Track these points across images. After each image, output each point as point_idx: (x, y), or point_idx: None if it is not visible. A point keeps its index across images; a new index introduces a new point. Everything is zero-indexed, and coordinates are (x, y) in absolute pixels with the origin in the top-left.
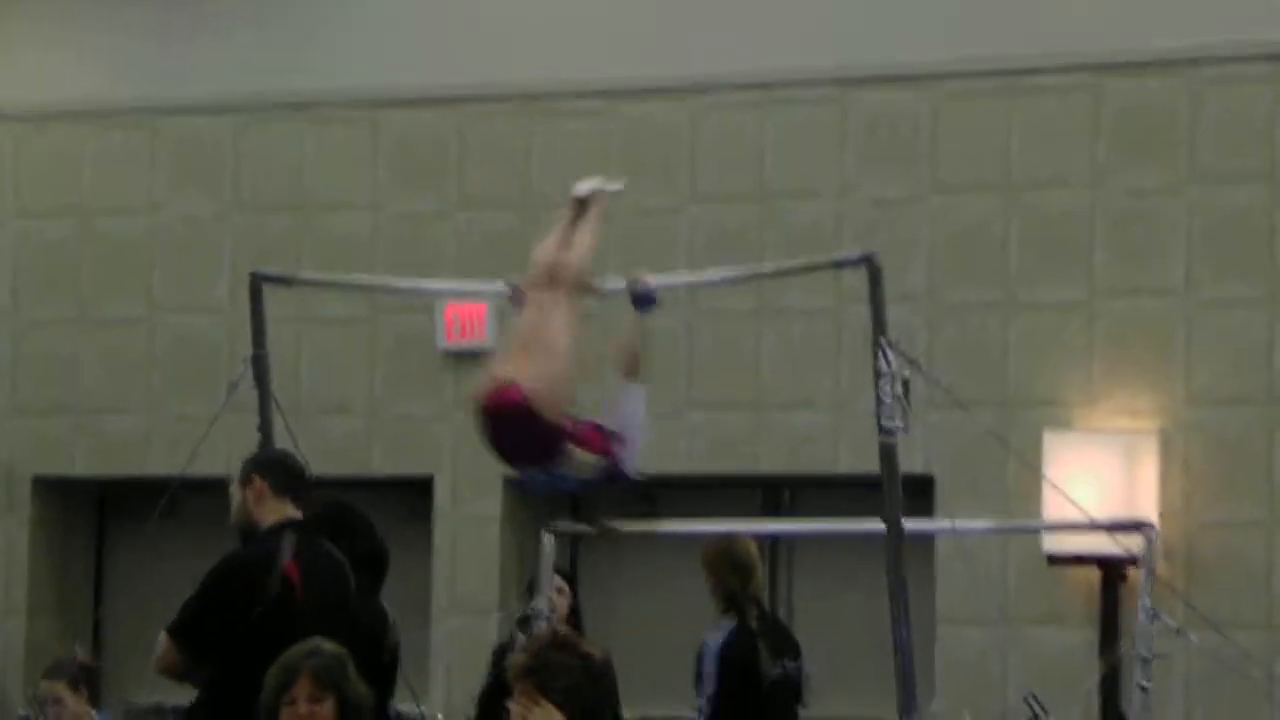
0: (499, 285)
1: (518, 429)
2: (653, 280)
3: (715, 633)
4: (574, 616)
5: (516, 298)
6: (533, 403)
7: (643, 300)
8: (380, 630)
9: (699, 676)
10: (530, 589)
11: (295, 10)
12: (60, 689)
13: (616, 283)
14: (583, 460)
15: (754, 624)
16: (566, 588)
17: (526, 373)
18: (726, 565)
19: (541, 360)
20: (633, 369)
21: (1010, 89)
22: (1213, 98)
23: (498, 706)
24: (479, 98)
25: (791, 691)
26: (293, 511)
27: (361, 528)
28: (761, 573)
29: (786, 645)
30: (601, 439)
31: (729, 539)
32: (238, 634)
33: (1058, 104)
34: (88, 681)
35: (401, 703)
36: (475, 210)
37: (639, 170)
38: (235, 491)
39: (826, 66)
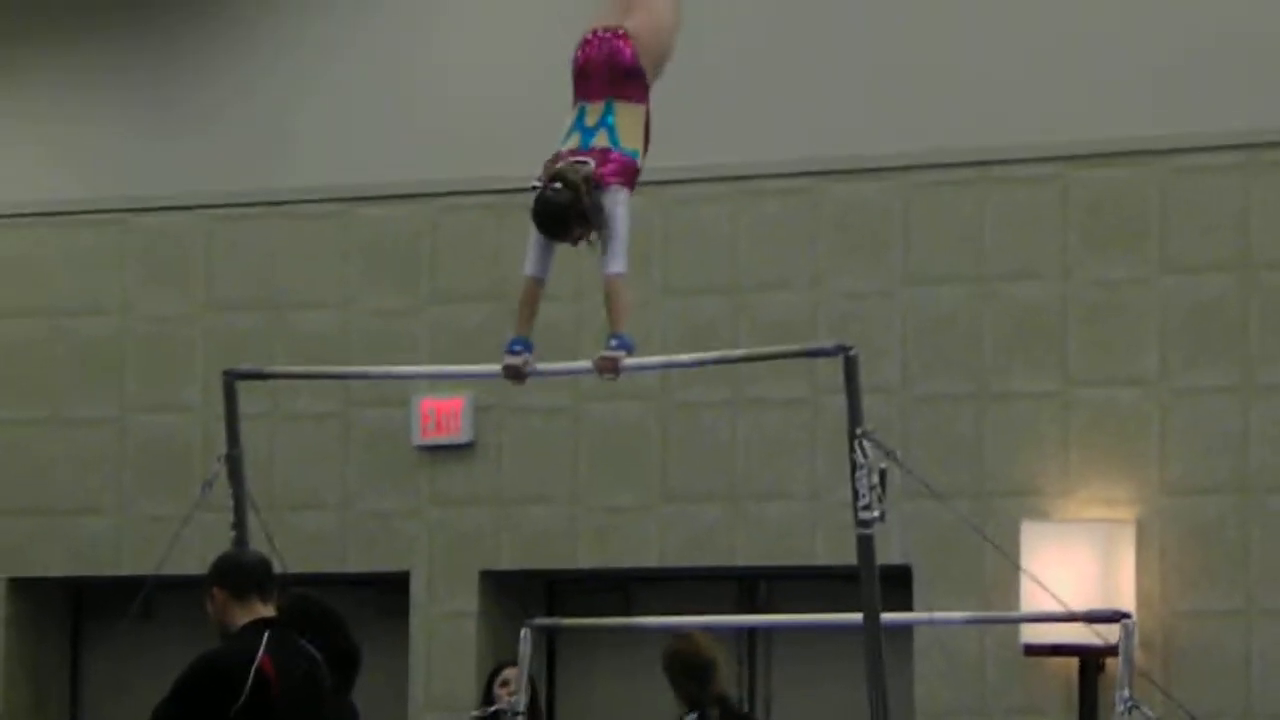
0: (479, 368)
1: (613, 63)
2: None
3: None
4: (533, 709)
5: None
6: (635, 41)
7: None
8: None
9: None
10: (488, 689)
11: (264, 107)
12: None
13: (584, 366)
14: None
15: None
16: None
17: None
18: (681, 669)
19: (642, 13)
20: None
21: (980, 180)
22: (1183, 187)
23: None
24: (450, 192)
25: None
26: (264, 610)
27: (334, 625)
28: (724, 668)
29: None
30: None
31: (684, 639)
32: None
33: (1028, 195)
34: None
35: None
36: (447, 305)
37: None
38: (206, 599)
39: (797, 159)
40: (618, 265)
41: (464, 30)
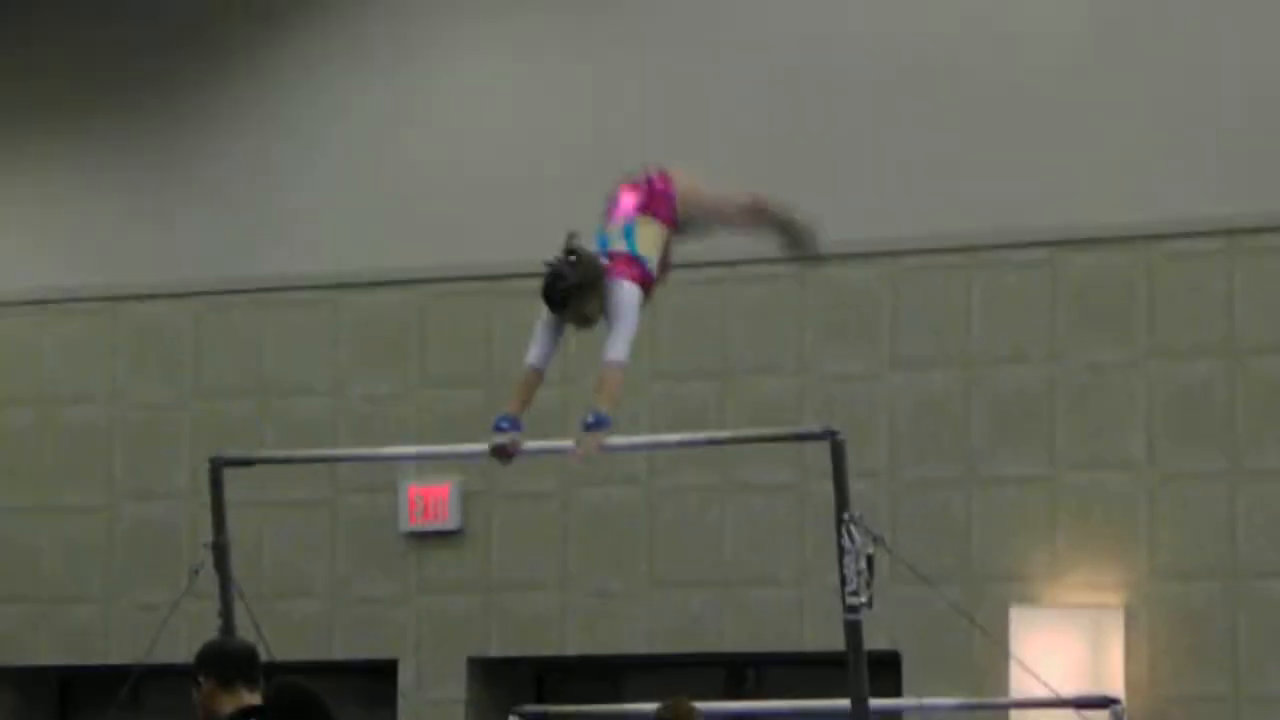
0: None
1: (649, 186)
2: (612, 444)
3: None
4: None
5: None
6: (674, 180)
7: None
8: None
9: None
10: None
11: (253, 195)
12: None
13: (567, 445)
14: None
15: None
16: None
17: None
18: None
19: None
20: None
21: (969, 264)
22: (1170, 272)
23: None
24: (439, 279)
25: None
26: (250, 699)
27: (321, 713)
28: None
29: None
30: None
31: (675, 704)
32: None
33: (1016, 279)
34: None
35: None
36: (436, 390)
37: (598, 348)
38: (193, 690)
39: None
40: (618, 353)
41: (453, 119)
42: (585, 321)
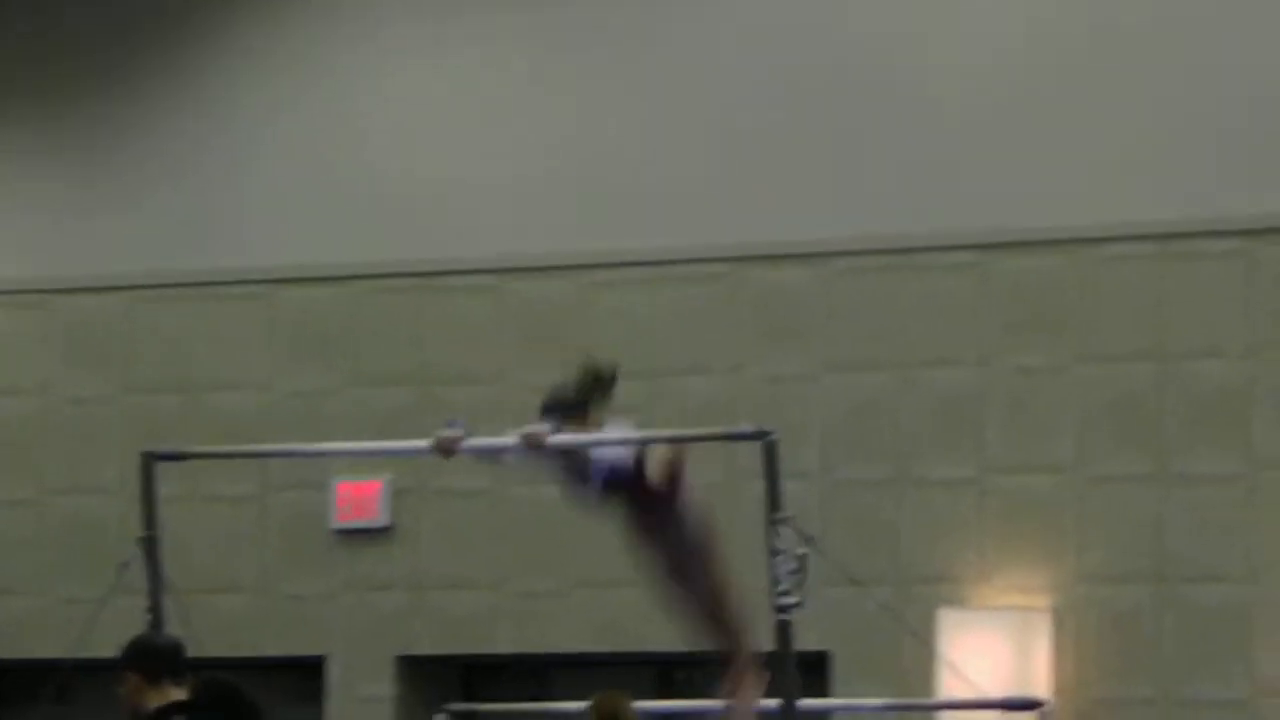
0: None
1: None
2: (551, 441)
3: None
4: None
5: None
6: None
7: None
8: None
9: None
10: None
11: (186, 190)
12: None
13: (508, 441)
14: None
15: None
16: None
17: None
18: None
19: None
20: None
21: (900, 267)
22: (1100, 277)
23: None
24: (372, 275)
25: None
26: (176, 694)
27: (246, 708)
28: None
29: None
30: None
31: (609, 697)
32: None
33: (947, 282)
34: None
35: None
36: (368, 387)
37: (530, 347)
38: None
39: (718, 244)
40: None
41: (388, 116)
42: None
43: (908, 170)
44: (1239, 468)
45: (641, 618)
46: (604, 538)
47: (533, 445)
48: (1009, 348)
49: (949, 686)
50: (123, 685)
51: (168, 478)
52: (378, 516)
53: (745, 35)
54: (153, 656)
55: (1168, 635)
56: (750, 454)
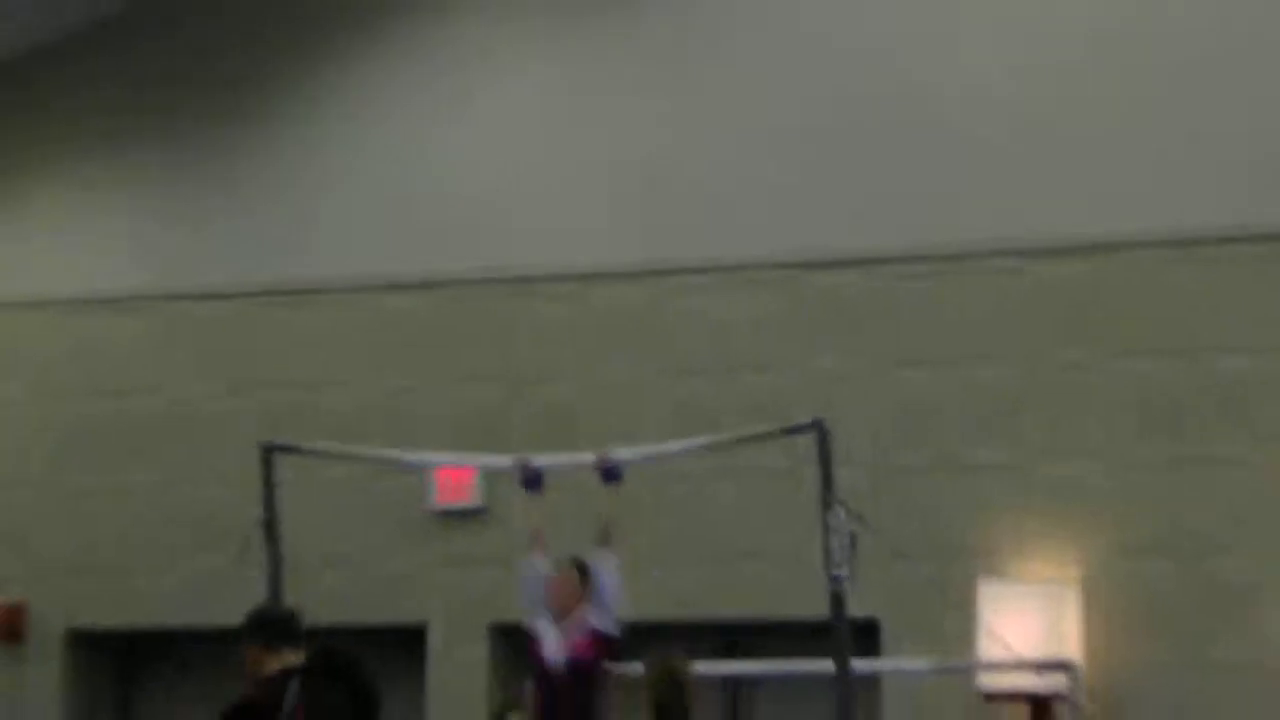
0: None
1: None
2: (620, 455)
3: None
4: None
5: (528, 480)
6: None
7: (610, 474)
8: None
9: None
10: None
11: (293, 205)
12: None
13: (587, 458)
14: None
15: None
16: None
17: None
18: (661, 679)
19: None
20: (605, 539)
21: (947, 272)
22: (1130, 280)
23: None
24: (467, 281)
25: None
26: (293, 659)
27: (357, 671)
28: (692, 690)
29: None
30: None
31: (666, 655)
32: None
33: (990, 285)
34: None
35: None
36: (464, 385)
37: (612, 347)
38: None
39: (783, 252)
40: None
41: (479, 129)
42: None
43: (956, 183)
44: (1252, 454)
45: (708, 590)
46: (676, 517)
47: (606, 465)
48: (1046, 345)
49: (988, 650)
50: (246, 651)
51: (282, 464)
52: (472, 499)
53: (807, 56)
54: (270, 626)
55: (1187, 604)
56: (808, 443)
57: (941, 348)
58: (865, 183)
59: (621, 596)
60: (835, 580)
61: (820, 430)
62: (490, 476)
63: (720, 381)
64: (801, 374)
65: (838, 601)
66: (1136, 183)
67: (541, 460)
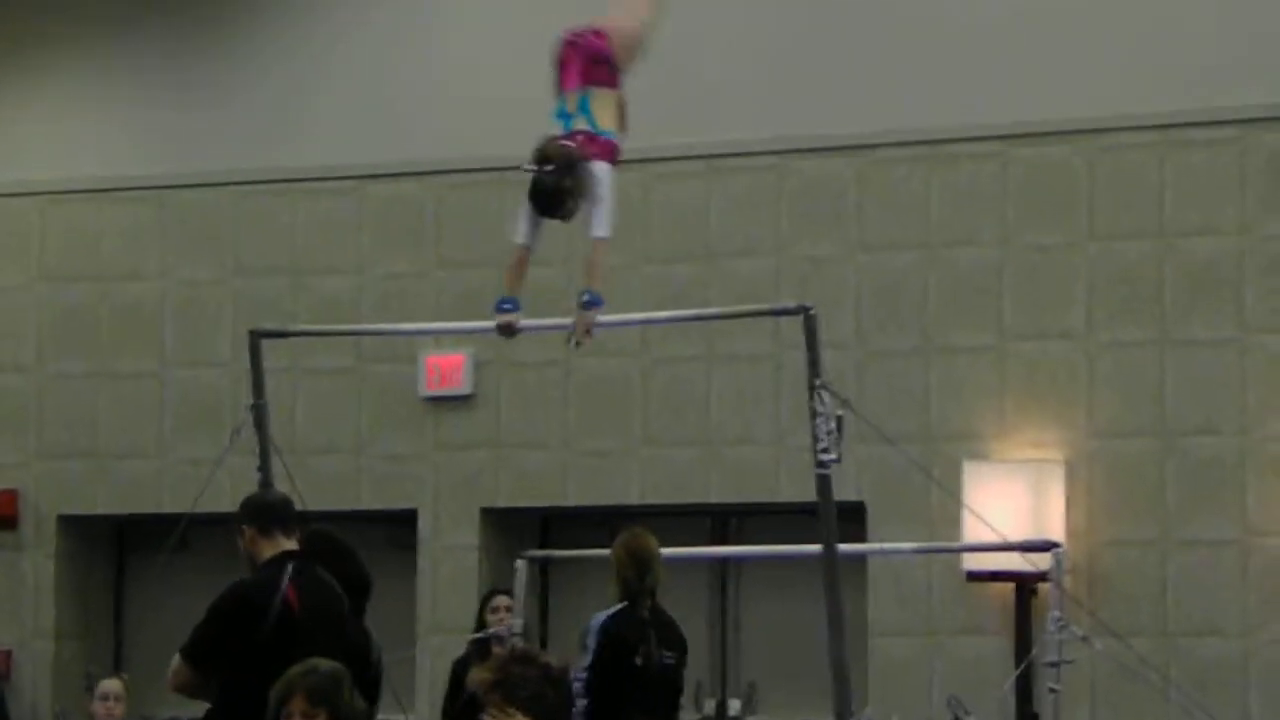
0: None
1: (589, 53)
2: (603, 320)
3: (603, 613)
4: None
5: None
6: (610, 36)
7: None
8: (365, 648)
9: (582, 649)
10: (480, 614)
11: (285, 92)
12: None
13: (566, 322)
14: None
15: (645, 614)
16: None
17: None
18: (625, 558)
19: (621, 11)
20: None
21: (928, 156)
22: (1108, 163)
23: (466, 718)
24: (455, 169)
25: (670, 682)
26: (287, 544)
27: (348, 555)
28: (659, 569)
29: (673, 639)
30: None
31: (632, 533)
32: (243, 654)
33: (970, 169)
34: None
35: (391, 716)
36: (451, 270)
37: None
38: (237, 537)
39: (764, 138)
40: (602, 230)
41: (467, 19)
42: (569, 215)
43: (937, 68)
44: (1231, 333)
45: (698, 473)
46: (664, 402)
47: (585, 329)
48: (1026, 228)
49: (973, 531)
50: (240, 536)
51: (273, 352)
52: (462, 385)
53: None
54: (265, 511)
55: (1169, 483)
56: (793, 327)
57: (923, 232)
58: (847, 69)
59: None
60: (822, 464)
61: (806, 314)
62: (479, 364)
63: (704, 267)
64: (785, 259)
65: (824, 485)
66: (1115, 67)
67: (524, 323)
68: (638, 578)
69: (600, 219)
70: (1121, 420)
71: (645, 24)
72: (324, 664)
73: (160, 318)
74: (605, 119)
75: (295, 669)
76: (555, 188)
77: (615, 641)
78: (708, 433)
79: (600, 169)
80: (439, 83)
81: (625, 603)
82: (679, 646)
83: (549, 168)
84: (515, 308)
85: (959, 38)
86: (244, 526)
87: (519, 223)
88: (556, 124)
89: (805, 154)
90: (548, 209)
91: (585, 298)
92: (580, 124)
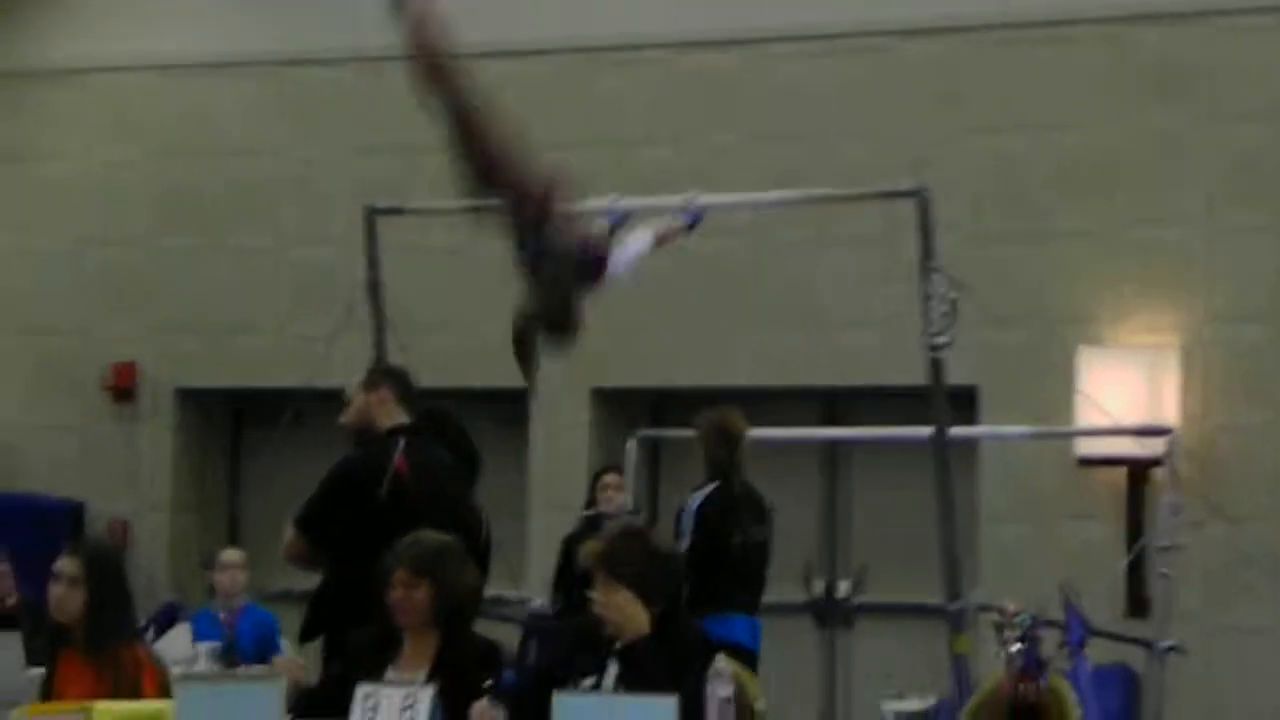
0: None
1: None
2: (714, 201)
3: (697, 494)
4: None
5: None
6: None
7: (692, 223)
8: (476, 523)
9: (678, 533)
10: (591, 491)
11: None
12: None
13: (675, 201)
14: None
15: (736, 491)
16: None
17: None
18: (716, 435)
19: None
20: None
21: (1040, 39)
22: (1225, 45)
23: (578, 592)
24: (569, 49)
25: (760, 554)
26: (404, 418)
27: (460, 433)
28: (747, 444)
29: (761, 515)
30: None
31: (721, 411)
32: (355, 526)
33: (1084, 52)
34: None
35: (503, 588)
36: (568, 150)
37: (705, 114)
38: (357, 395)
39: (877, 19)
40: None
41: None
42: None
43: None
44: None
45: (807, 356)
46: (774, 284)
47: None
48: (1140, 112)
49: (1087, 416)
50: (371, 394)
51: (388, 230)
52: None
53: None
54: (405, 381)
55: None
56: (903, 210)
57: (1035, 114)
58: None
59: (638, 257)
60: (935, 347)
61: (920, 196)
62: None
63: (814, 149)
64: (893, 141)
65: (937, 368)
66: None
67: (629, 203)
68: (728, 454)
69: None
70: (1238, 305)
71: None
72: (429, 536)
73: (276, 194)
74: None
75: (401, 542)
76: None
77: (711, 522)
78: (817, 315)
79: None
80: None
81: (717, 482)
82: (768, 522)
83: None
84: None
85: None
86: (384, 385)
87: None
88: None
89: (915, 35)
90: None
91: (685, 218)
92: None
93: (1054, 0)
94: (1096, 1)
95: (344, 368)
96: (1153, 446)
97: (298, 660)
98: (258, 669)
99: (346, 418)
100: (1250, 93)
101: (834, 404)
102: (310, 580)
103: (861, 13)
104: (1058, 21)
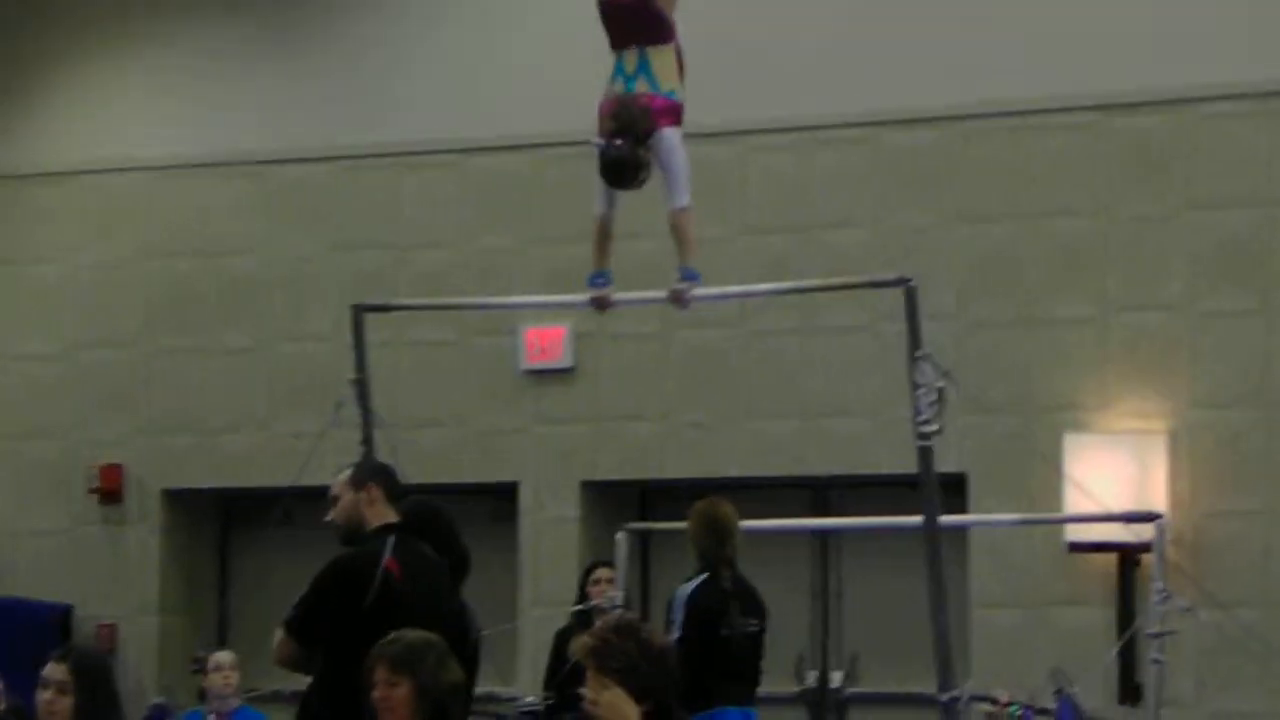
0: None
1: (635, 9)
2: (700, 294)
3: (687, 585)
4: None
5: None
6: None
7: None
8: (465, 621)
9: (668, 623)
10: (583, 586)
11: (386, 70)
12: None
13: (660, 295)
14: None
15: (726, 584)
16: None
17: None
18: (705, 526)
19: None
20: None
21: (1024, 127)
22: (1207, 132)
23: (568, 688)
24: (555, 143)
25: (752, 645)
26: (393, 517)
27: (448, 530)
28: (739, 537)
29: (753, 607)
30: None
31: (710, 502)
32: (345, 627)
33: (1067, 140)
34: None
35: (494, 685)
36: (552, 244)
37: (695, 205)
38: (345, 494)
39: (860, 110)
40: (681, 199)
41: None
42: (641, 185)
43: (1029, 39)
44: None
45: (797, 445)
46: (762, 374)
47: (677, 303)
48: (1124, 198)
49: (1075, 503)
50: (360, 493)
51: (375, 326)
52: (562, 358)
53: None
54: (393, 479)
55: (1274, 453)
56: (890, 298)
57: (1019, 202)
58: (939, 42)
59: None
60: (924, 435)
61: (907, 286)
62: (579, 336)
63: (801, 239)
64: (881, 230)
65: (926, 456)
66: (1211, 35)
67: (620, 297)
68: (717, 546)
69: (677, 188)
70: (1225, 390)
71: None
72: (410, 634)
73: (263, 292)
74: (666, 77)
75: (382, 640)
76: (626, 161)
77: (701, 613)
78: (806, 404)
79: (669, 136)
80: (539, 56)
81: (706, 573)
82: (761, 613)
83: (618, 141)
84: (607, 282)
85: (1050, 7)
86: (372, 484)
87: (598, 195)
88: (617, 81)
89: (901, 125)
90: (619, 182)
91: (682, 274)
92: (642, 86)
93: (1036, 89)
94: (1078, 90)
95: (333, 466)
96: (1142, 532)
97: None
98: None
99: (334, 516)
100: (1231, 178)
101: (824, 493)
102: (301, 681)
103: (847, 104)
104: (1036, 110)
